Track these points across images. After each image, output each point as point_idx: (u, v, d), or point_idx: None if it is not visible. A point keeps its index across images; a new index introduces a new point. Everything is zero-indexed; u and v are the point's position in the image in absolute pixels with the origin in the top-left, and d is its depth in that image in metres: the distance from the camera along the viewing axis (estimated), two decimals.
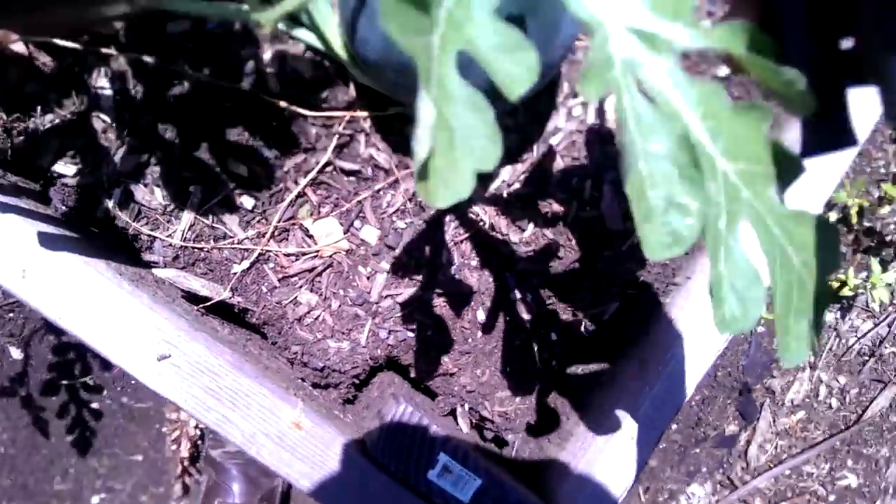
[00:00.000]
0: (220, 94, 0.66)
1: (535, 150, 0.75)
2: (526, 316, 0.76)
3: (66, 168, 0.66)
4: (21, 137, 0.65)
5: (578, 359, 0.81)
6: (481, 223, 0.74)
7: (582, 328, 0.79)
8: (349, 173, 0.71)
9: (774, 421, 1.37)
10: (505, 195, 0.75)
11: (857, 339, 1.43)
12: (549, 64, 0.59)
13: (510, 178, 0.75)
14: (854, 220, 1.39)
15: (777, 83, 0.37)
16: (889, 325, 1.45)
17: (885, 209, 1.39)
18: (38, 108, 0.65)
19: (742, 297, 0.37)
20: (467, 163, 0.35)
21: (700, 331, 0.76)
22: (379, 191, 0.72)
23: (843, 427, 1.40)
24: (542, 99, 0.74)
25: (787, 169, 0.40)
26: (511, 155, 0.75)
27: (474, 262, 0.74)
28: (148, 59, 0.65)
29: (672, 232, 0.36)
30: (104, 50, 0.64)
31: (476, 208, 0.74)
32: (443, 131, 0.34)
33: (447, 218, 0.73)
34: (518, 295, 0.76)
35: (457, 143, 0.35)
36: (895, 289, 1.44)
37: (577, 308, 0.78)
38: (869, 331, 1.44)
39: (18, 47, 0.64)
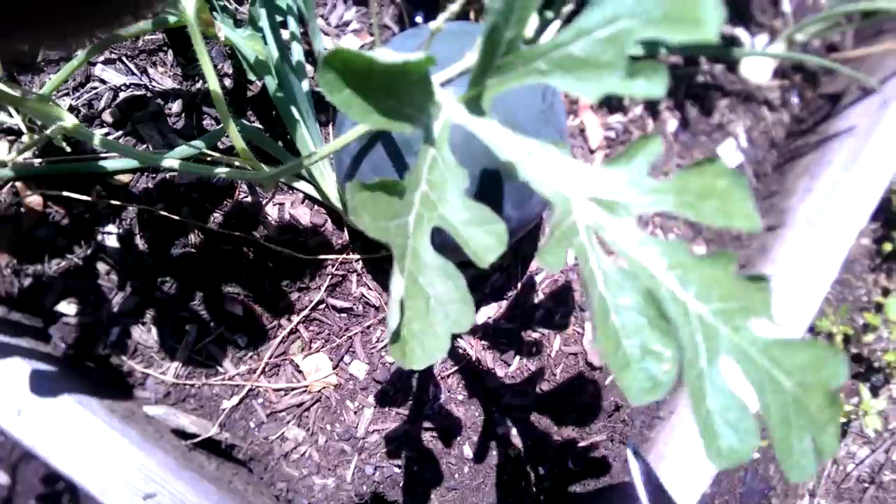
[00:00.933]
0: (220, 239, 0.71)
1: (518, 287, 0.79)
2: (513, 451, 0.77)
3: (68, 308, 0.69)
4: (29, 279, 0.68)
5: (566, 494, 0.80)
6: (468, 357, 0.76)
7: (570, 463, 0.79)
8: (341, 310, 0.74)
9: None
10: (490, 330, 0.77)
11: (855, 465, 1.41)
12: (529, 216, 0.64)
13: (495, 314, 0.78)
14: (840, 347, 1.41)
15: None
16: (886, 452, 1.43)
17: (871, 336, 1.41)
18: (46, 253, 0.69)
19: (737, 428, 0.39)
20: (443, 326, 0.38)
21: (688, 463, 0.76)
22: (369, 327, 0.74)
23: None
24: (525, 241, 0.79)
25: (761, 301, 0.43)
26: (496, 292, 0.78)
27: (461, 396, 0.75)
28: (154, 208, 0.70)
29: (650, 377, 0.39)
30: (114, 202, 0.69)
31: (462, 343, 0.76)
32: (418, 298, 0.38)
33: None
34: (505, 429, 0.77)
35: (432, 308, 0.38)
36: (888, 414, 1.43)
37: (565, 442, 0.79)
38: (866, 457, 1.42)
39: (34, 199, 0.69)
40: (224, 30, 0.65)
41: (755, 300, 0.43)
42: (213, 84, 0.54)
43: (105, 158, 0.69)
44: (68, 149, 0.64)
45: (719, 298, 0.42)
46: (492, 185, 0.62)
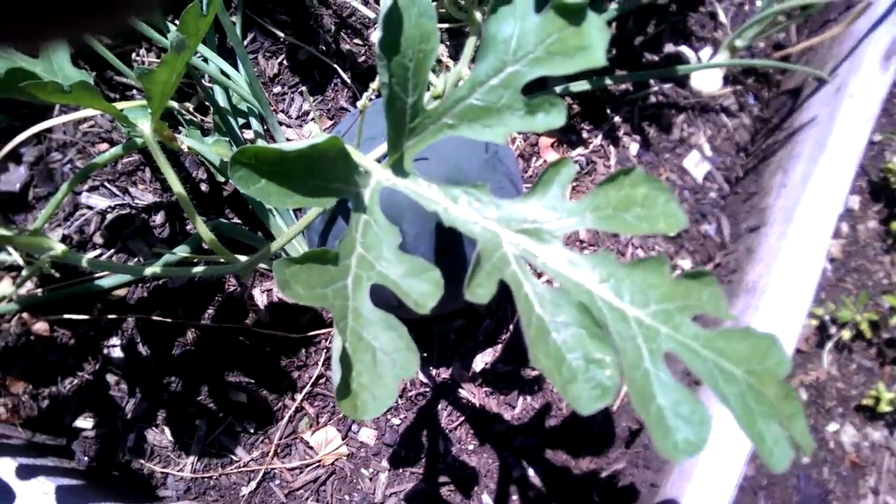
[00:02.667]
0: (216, 333, 0.75)
1: (511, 329, 0.81)
2: (533, 493, 0.76)
3: (85, 422, 0.72)
4: (46, 401, 0.73)
5: None
6: (472, 406, 0.77)
7: (595, 495, 0.79)
8: None
9: None
10: (490, 375, 0.79)
11: None
12: None
13: (492, 358, 0.79)
14: (869, 334, 1.38)
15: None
16: None
17: None
18: (59, 374, 0.73)
19: (690, 420, 0.40)
20: (391, 374, 0.41)
21: (711, 479, 0.75)
22: None
23: None
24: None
25: (709, 295, 0.44)
26: (489, 337, 0.80)
27: (472, 446, 0.76)
28: (151, 315, 0.74)
29: (597, 385, 0.40)
30: (113, 316, 0.74)
31: (464, 392, 0.78)
32: (365, 353, 0.41)
33: (439, 407, 0.77)
34: (521, 472, 0.77)
35: (379, 359, 0.41)
36: None
37: (585, 475, 0.78)
38: None
39: (41, 326, 0.74)
40: (187, 141, 0.70)
41: (700, 296, 0.45)
42: (177, 188, 0.59)
43: (100, 277, 0.74)
44: (58, 275, 0.69)
45: (656, 301, 0.44)
46: (453, 237, 0.65)
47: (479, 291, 0.41)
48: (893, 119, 1.58)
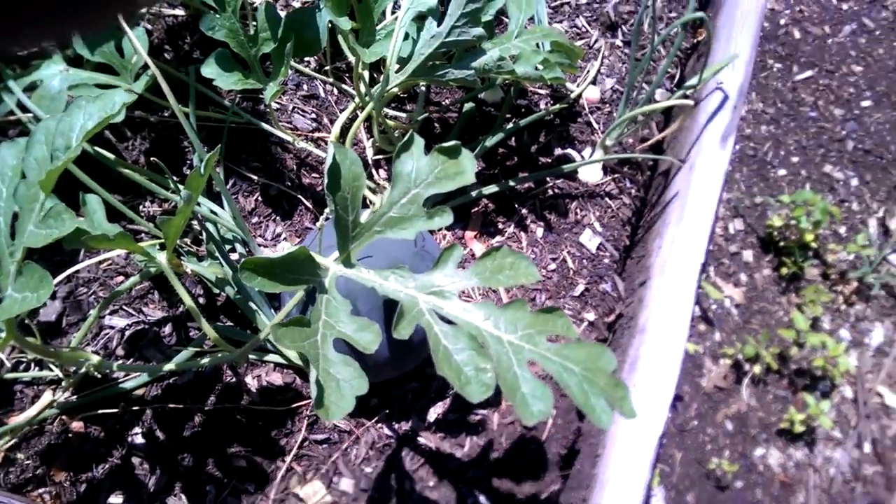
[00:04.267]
0: (217, 414, 0.94)
1: None
2: None
3: (116, 499, 0.89)
4: (84, 485, 0.90)
5: None
6: (429, 449, 0.96)
7: None
8: (321, 442, 0.95)
9: None
10: (442, 423, 0.98)
11: (835, 468, 1.53)
12: None
13: (442, 410, 0.99)
14: (776, 366, 1.60)
15: None
16: (858, 447, 1.56)
17: (802, 351, 1.61)
18: (93, 462, 0.91)
19: (541, 398, 0.61)
20: (349, 393, 0.61)
21: (626, 484, 0.93)
22: (346, 448, 0.95)
23: None
24: None
25: (561, 324, 0.67)
26: (438, 393, 1.00)
27: (432, 482, 0.94)
28: (165, 406, 0.93)
29: (483, 384, 0.61)
30: (135, 408, 0.93)
31: (422, 439, 0.97)
32: (331, 381, 0.62)
33: (402, 454, 0.96)
34: (474, 499, 0.94)
35: (341, 385, 0.62)
36: (847, 413, 1.59)
37: (528, 498, 0.96)
38: (842, 458, 1.54)
39: (77, 424, 0.93)
40: (189, 265, 0.93)
41: (554, 324, 0.67)
42: (188, 301, 0.80)
43: (124, 381, 0.94)
44: (98, 375, 0.89)
45: (522, 328, 0.66)
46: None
47: (403, 332, 0.63)
48: (769, 182, 1.89)
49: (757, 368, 1.58)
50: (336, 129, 1.12)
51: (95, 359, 0.81)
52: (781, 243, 1.72)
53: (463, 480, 0.95)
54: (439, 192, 0.71)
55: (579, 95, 1.31)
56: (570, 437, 1.03)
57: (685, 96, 1.23)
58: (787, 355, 1.61)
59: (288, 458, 0.93)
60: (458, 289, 0.70)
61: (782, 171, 1.88)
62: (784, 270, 1.73)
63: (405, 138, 0.72)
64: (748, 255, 1.74)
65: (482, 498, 0.95)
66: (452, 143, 0.72)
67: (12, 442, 0.90)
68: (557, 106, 1.26)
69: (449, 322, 0.68)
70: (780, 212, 1.76)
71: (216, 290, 0.99)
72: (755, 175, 1.87)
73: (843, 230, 1.80)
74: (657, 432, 0.99)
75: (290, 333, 0.61)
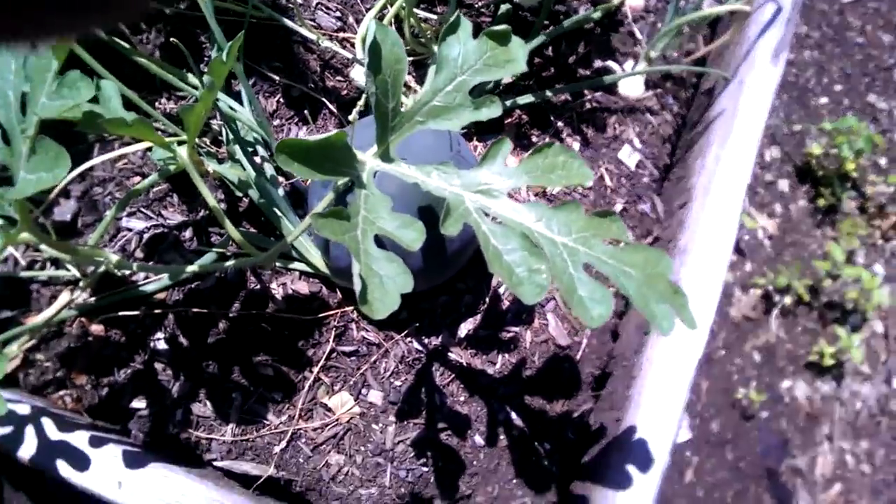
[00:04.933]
0: (242, 321, 0.90)
1: (487, 301, 0.97)
2: (517, 432, 0.92)
3: (139, 403, 0.87)
4: (105, 389, 0.87)
5: (576, 462, 0.94)
6: (460, 365, 0.93)
7: (569, 433, 0.94)
8: (350, 354, 0.92)
9: (814, 500, 1.39)
10: (473, 340, 0.95)
11: (862, 403, 1.51)
12: (470, 235, 0.83)
13: (473, 326, 0.95)
14: (807, 298, 1.55)
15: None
16: (887, 382, 1.54)
17: (836, 283, 1.56)
18: (115, 366, 0.88)
19: (601, 301, 0.57)
20: (394, 290, 0.57)
21: (659, 410, 0.91)
22: (375, 361, 0.92)
23: (883, 489, 1.42)
24: (482, 262, 0.98)
25: (616, 227, 0.62)
26: (469, 309, 0.96)
27: (462, 398, 0.92)
28: (188, 310, 0.90)
29: (538, 285, 0.57)
30: (157, 311, 0.89)
31: (453, 355, 0.93)
32: (374, 277, 0.57)
33: (433, 368, 0.93)
34: (505, 415, 0.92)
35: (384, 281, 0.57)
36: (877, 349, 1.56)
37: (560, 416, 0.94)
38: (870, 392, 1.52)
39: (97, 327, 0.90)
40: (212, 165, 0.87)
41: (609, 228, 0.62)
42: (211, 201, 0.75)
43: (144, 284, 0.90)
44: (118, 274, 0.84)
45: (576, 231, 0.61)
46: (431, 220, 0.82)
47: (451, 229, 0.58)
48: (809, 110, 1.80)
49: (788, 299, 1.54)
50: (363, 28, 1.04)
51: (114, 258, 0.77)
52: (819, 173, 1.65)
53: (494, 396, 0.92)
54: (487, 79, 0.64)
55: (622, 2, 1.22)
56: (604, 358, 1.00)
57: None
58: (819, 287, 1.56)
59: (315, 369, 0.90)
60: (507, 187, 0.64)
61: (824, 99, 1.79)
62: (821, 202, 1.67)
63: (451, 20, 0.65)
64: (784, 184, 1.67)
65: (513, 415, 0.92)
66: (502, 27, 0.65)
67: (31, 343, 0.87)
68: (598, 12, 1.17)
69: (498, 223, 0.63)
70: (820, 140, 1.68)
71: (238, 194, 0.94)
72: (795, 102, 1.77)
73: (883, 162, 1.72)
74: (696, 355, 0.95)
75: (330, 224, 0.56)
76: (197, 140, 0.95)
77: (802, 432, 1.49)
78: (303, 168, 0.58)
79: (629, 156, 1.12)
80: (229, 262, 0.80)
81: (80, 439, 0.80)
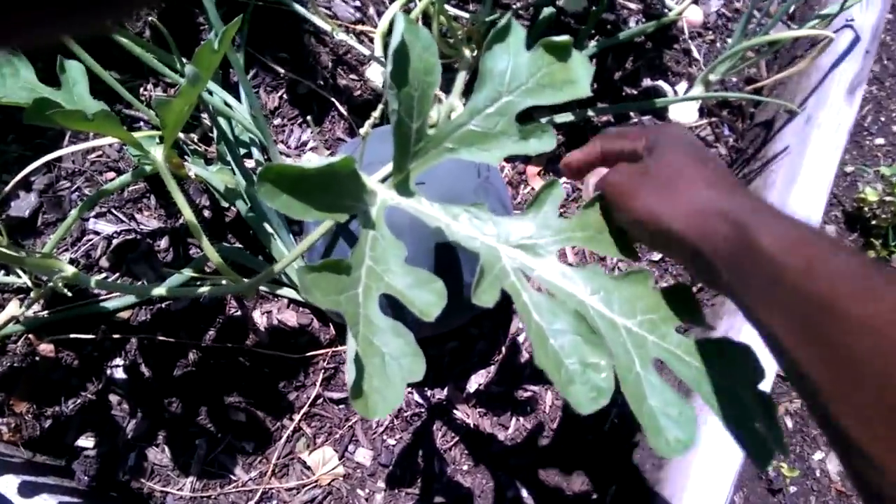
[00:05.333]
0: (216, 354, 0.77)
1: (503, 351, 0.83)
2: None
3: (87, 442, 0.74)
4: (49, 420, 0.74)
5: None
6: (466, 426, 0.79)
7: None
8: (338, 402, 0.78)
9: None
10: (484, 396, 0.81)
11: None
12: None
13: (485, 379, 0.82)
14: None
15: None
16: None
17: None
18: (62, 394, 0.75)
19: (678, 421, 0.43)
20: (399, 377, 0.43)
21: (703, 498, 0.77)
22: None
23: None
24: (503, 307, 0.84)
25: (686, 309, 0.48)
26: (483, 358, 0.83)
27: (466, 466, 0.78)
28: (154, 336, 0.76)
29: (594, 387, 0.43)
30: (117, 335, 0.76)
31: (458, 413, 0.80)
32: (375, 357, 0.43)
33: (434, 427, 0.79)
34: (515, 492, 0.78)
35: (388, 363, 0.44)
36: None
37: (578, 496, 0.80)
38: None
39: (46, 347, 0.76)
40: (194, 168, 0.74)
41: (681, 308, 0.48)
42: (188, 214, 0.62)
43: (105, 300, 0.76)
44: (70, 294, 0.71)
45: (642, 311, 0.47)
46: (449, 258, 0.69)
47: (484, 297, 0.44)
48: (864, 151, 1.66)
49: None
50: (385, 22, 0.90)
51: (70, 270, 0.64)
52: (872, 222, 1.51)
53: (504, 468, 0.79)
54: (540, 103, 0.50)
55: (678, 16, 1.08)
56: (635, 428, 0.86)
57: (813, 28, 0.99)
58: None
59: (297, 417, 0.77)
60: (556, 245, 0.50)
61: (880, 140, 1.64)
62: (870, 253, 1.52)
63: (501, 23, 0.51)
64: (831, 230, 1.53)
65: (524, 491, 0.79)
66: (563, 38, 0.51)
67: None
68: (652, 25, 1.03)
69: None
70: (875, 185, 1.53)
71: (224, 203, 0.80)
72: (848, 140, 1.63)
73: None
74: (738, 458, 0.82)
75: (322, 281, 0.43)
76: (183, 136, 0.82)
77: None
78: (292, 202, 0.44)
79: None
80: (204, 289, 0.66)
81: (8, 485, 0.66)
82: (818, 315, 0.29)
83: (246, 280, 0.65)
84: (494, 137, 0.51)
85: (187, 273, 0.75)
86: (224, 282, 0.67)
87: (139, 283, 0.78)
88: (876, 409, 0.27)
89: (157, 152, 0.63)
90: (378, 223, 0.50)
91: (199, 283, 0.75)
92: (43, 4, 0.15)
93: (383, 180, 0.55)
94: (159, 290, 0.66)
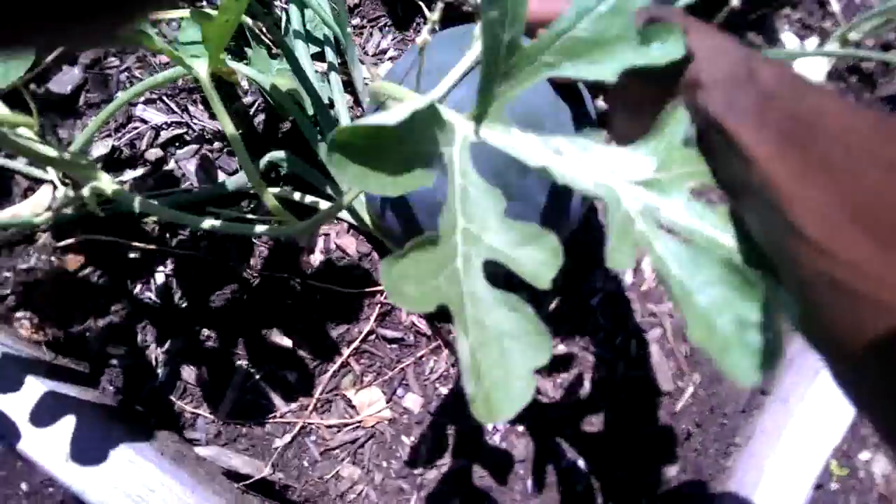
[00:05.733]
0: (265, 279, 0.69)
1: (576, 307, 0.75)
2: (581, 486, 0.72)
3: (115, 350, 0.67)
4: (76, 324, 0.67)
5: None
6: None
7: (643, 500, 0.74)
8: (392, 341, 0.71)
9: None
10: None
11: None
12: (566, 222, 0.60)
13: (553, 341, 0.74)
14: None
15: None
16: None
17: None
18: (92, 296, 0.68)
19: None
20: (522, 364, 0.34)
21: (772, 494, 0.70)
22: (421, 357, 0.71)
23: None
24: (573, 257, 0.75)
25: None
26: (549, 316, 0.75)
27: (521, 428, 0.71)
28: (198, 252, 0.69)
29: (757, 351, 0.34)
30: (155, 246, 0.68)
31: None
32: (490, 345, 0.34)
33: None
34: (570, 462, 0.72)
35: (506, 347, 0.34)
36: None
37: (635, 476, 0.73)
38: None
39: (75, 259, 0.69)
40: (245, 72, 0.63)
41: None
42: (230, 129, 0.52)
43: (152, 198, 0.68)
44: (102, 214, 0.62)
45: None
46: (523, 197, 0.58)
47: (619, 258, 0.35)
48: None
49: None
50: None
51: (109, 185, 0.55)
52: None
53: (562, 435, 0.72)
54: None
55: None
56: (706, 412, 0.78)
57: None
58: None
59: (346, 351, 0.70)
60: (687, 182, 0.40)
61: None
62: None
63: None
64: None
65: (581, 462, 0.72)
66: None
67: None
68: None
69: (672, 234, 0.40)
70: None
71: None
72: None
73: None
74: (833, 442, 0.75)
75: (413, 271, 0.33)
76: (250, 22, 0.71)
77: None
78: (366, 173, 0.35)
79: None
80: (259, 228, 0.57)
81: (28, 394, 0.60)
82: (800, 129, 0.31)
83: (301, 223, 0.56)
84: (608, 45, 0.40)
85: (240, 181, 0.66)
86: (278, 223, 0.58)
87: (187, 183, 0.70)
88: (841, 206, 0.28)
89: (201, 67, 0.52)
90: (464, 167, 0.40)
91: (248, 223, 0.67)
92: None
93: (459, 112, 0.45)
94: (210, 223, 0.57)
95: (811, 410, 0.77)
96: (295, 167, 0.68)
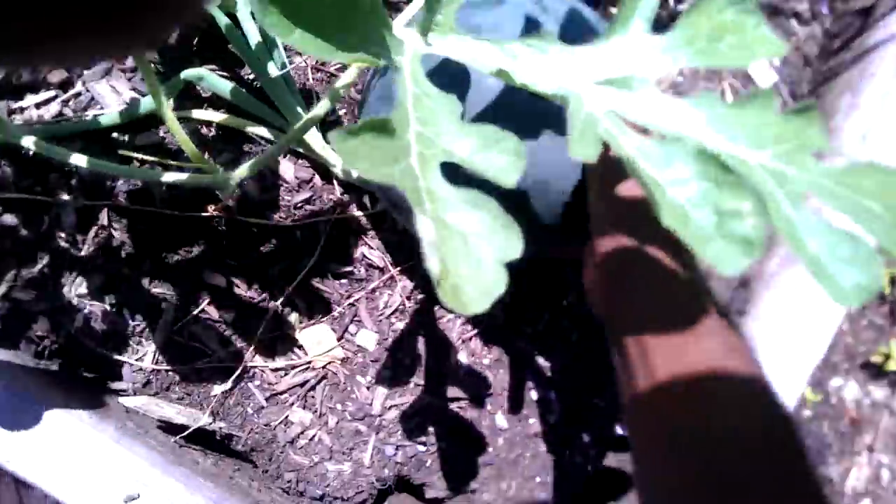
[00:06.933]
0: (194, 220, 0.61)
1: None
2: (552, 418, 0.67)
3: (24, 294, 0.59)
4: None
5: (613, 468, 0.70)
6: (491, 317, 0.66)
7: (618, 428, 0.69)
8: (340, 275, 0.64)
9: None
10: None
11: None
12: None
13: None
14: (887, 289, 1.31)
15: None
16: None
17: None
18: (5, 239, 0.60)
19: (853, 261, 0.31)
20: (491, 258, 0.29)
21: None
22: (374, 291, 0.65)
23: None
24: None
25: (815, 134, 0.34)
26: None
27: (487, 360, 0.66)
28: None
29: (739, 239, 0.31)
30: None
31: None
32: (454, 239, 0.29)
33: (453, 314, 0.66)
34: (542, 393, 0.67)
35: (472, 243, 0.30)
36: None
37: (611, 405, 0.69)
38: None
39: None
40: None
41: (808, 134, 0.35)
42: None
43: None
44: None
45: (772, 142, 0.34)
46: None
47: (580, 149, 0.32)
48: None
49: None
50: None
51: None
52: None
53: (531, 366, 0.67)
54: None
55: None
56: None
57: None
58: None
59: (289, 288, 0.63)
60: (655, 71, 0.36)
61: None
62: None
63: None
64: None
65: (552, 394, 0.67)
66: None
67: None
68: None
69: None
70: None
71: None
72: None
73: None
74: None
75: (366, 148, 0.28)
76: None
77: (842, 438, 1.29)
78: (308, 38, 0.30)
79: (764, 72, 0.81)
80: (169, 176, 0.49)
81: None
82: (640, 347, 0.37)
83: (223, 170, 0.48)
84: None
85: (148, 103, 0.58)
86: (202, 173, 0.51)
87: (90, 108, 0.62)
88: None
89: None
90: (415, 76, 0.35)
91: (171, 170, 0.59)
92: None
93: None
94: (77, 160, 0.49)
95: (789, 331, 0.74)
96: (217, 87, 0.60)
